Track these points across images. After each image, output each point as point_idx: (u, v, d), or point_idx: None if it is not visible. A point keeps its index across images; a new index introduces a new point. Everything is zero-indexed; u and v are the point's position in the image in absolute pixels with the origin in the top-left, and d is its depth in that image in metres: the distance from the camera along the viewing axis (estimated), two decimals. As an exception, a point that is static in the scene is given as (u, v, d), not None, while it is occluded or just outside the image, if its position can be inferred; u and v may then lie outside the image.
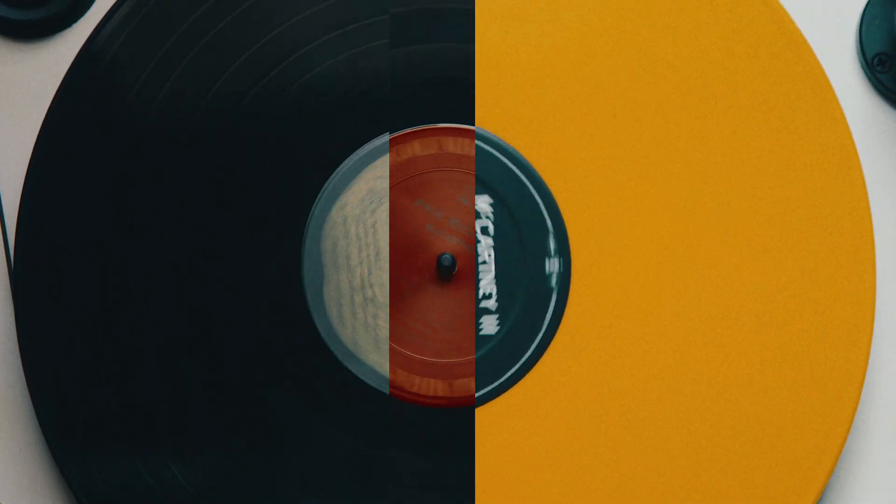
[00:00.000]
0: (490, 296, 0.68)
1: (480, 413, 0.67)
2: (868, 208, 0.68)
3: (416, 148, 0.69)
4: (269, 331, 0.68)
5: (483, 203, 0.69)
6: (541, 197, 0.69)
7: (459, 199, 0.69)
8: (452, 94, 0.69)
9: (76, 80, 0.69)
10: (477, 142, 0.69)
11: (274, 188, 0.69)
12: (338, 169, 0.69)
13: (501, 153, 0.69)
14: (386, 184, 0.69)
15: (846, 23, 0.73)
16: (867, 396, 0.70)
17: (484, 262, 0.68)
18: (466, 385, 0.68)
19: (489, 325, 0.68)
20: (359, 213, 0.69)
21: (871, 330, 0.67)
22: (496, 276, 0.68)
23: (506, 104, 0.69)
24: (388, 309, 0.68)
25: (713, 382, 0.67)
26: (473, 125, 0.69)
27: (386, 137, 0.69)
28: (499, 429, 0.67)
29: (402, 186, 0.69)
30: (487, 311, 0.68)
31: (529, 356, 0.68)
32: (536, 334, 0.68)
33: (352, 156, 0.69)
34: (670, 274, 0.68)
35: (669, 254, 0.68)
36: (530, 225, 0.68)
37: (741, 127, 0.68)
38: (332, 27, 0.69)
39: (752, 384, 0.67)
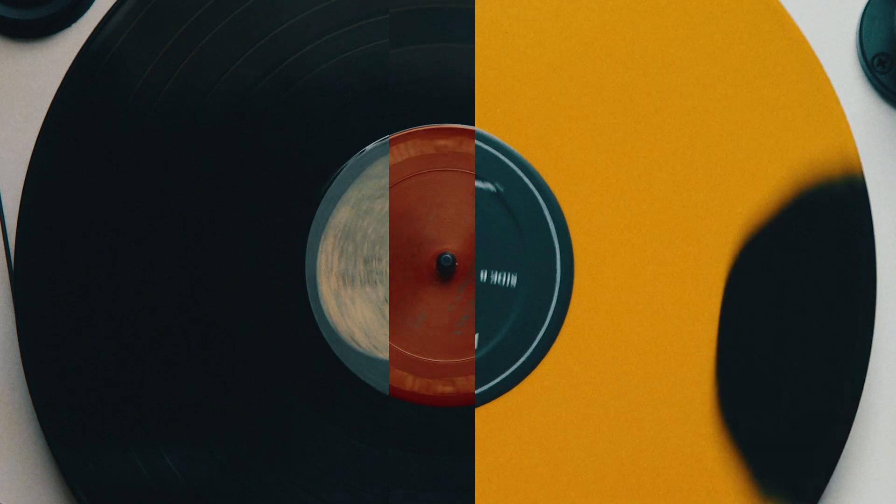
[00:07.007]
0: (490, 296, 0.68)
1: (480, 413, 0.67)
2: (869, 208, 0.68)
3: (416, 148, 0.69)
4: (269, 329, 0.68)
5: (483, 203, 0.69)
6: (542, 197, 0.69)
7: (459, 199, 0.69)
8: (452, 94, 0.69)
9: (76, 80, 0.69)
10: (477, 142, 0.69)
11: (275, 189, 0.69)
12: (338, 169, 0.69)
13: (501, 153, 0.69)
14: (386, 184, 0.69)
15: (846, 23, 0.73)
16: (868, 397, 0.70)
17: (484, 262, 0.68)
18: (466, 385, 0.68)
19: (489, 325, 0.68)
20: (359, 214, 0.69)
21: (872, 330, 0.67)
22: (496, 276, 0.68)
23: (506, 104, 0.69)
24: (388, 309, 0.68)
25: (714, 383, 0.67)
26: (473, 125, 0.69)
27: (386, 138, 0.69)
28: (499, 429, 0.67)
29: (402, 186, 0.69)
30: (487, 312, 0.68)
31: (530, 356, 0.68)
32: (537, 334, 0.68)
33: (352, 156, 0.69)
34: (672, 273, 0.68)
35: (671, 253, 0.68)
36: (531, 225, 0.68)
37: (741, 127, 0.68)
38: (332, 27, 0.69)
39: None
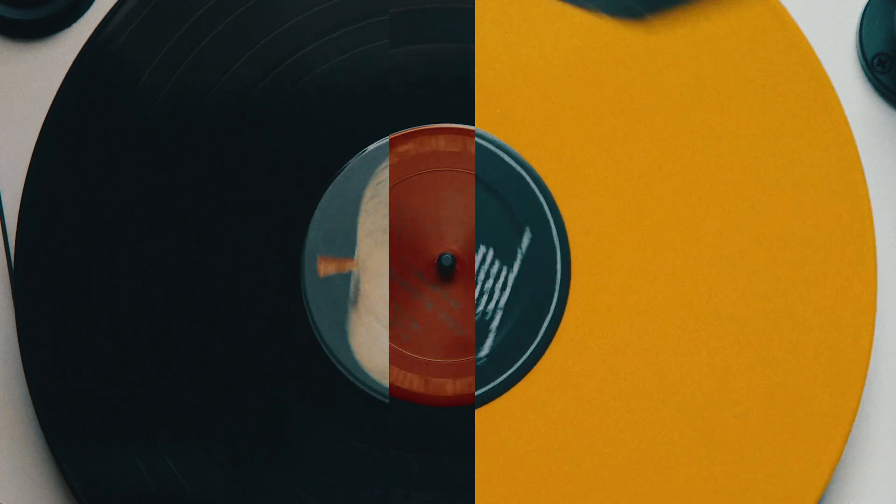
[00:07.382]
0: (490, 296, 0.68)
1: (480, 413, 0.67)
2: (869, 208, 0.68)
3: (416, 148, 0.69)
4: (268, 330, 0.68)
5: (483, 203, 0.69)
6: (541, 196, 0.69)
7: (459, 198, 0.69)
8: (452, 94, 0.69)
9: (77, 81, 0.69)
10: (477, 141, 0.69)
11: (275, 189, 0.69)
12: (338, 170, 0.69)
13: (502, 153, 0.69)
14: (386, 184, 0.69)
15: (846, 23, 0.73)
16: (868, 397, 0.70)
17: (484, 262, 0.68)
18: (466, 385, 0.68)
19: (489, 324, 0.68)
20: (359, 214, 0.69)
21: (872, 330, 0.67)
22: (496, 276, 0.68)
23: (506, 104, 0.69)
24: (388, 309, 0.68)
25: (713, 383, 0.67)
26: (473, 125, 0.69)
27: (386, 138, 0.69)
28: (499, 429, 0.67)
29: (403, 186, 0.69)
30: (487, 312, 0.68)
31: (529, 356, 0.68)
32: (537, 334, 0.68)
33: (352, 157, 0.69)
34: (671, 274, 0.68)
35: (670, 254, 0.68)
36: (531, 225, 0.68)
37: (741, 127, 0.68)
38: (332, 27, 0.69)
39: (753, 384, 0.67)
